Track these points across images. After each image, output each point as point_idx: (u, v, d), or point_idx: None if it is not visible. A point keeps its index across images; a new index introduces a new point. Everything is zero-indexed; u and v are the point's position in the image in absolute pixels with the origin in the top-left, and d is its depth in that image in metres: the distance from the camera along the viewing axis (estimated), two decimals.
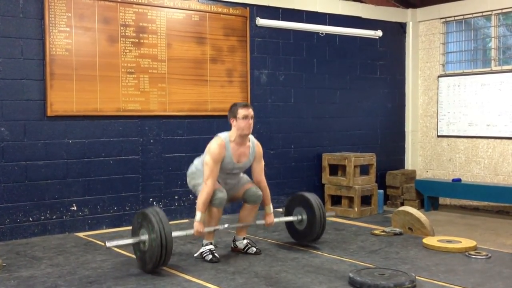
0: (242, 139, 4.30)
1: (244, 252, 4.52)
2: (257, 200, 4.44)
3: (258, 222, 4.58)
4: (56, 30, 5.40)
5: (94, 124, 5.70)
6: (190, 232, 4.22)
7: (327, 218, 4.81)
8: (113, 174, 5.81)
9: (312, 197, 4.73)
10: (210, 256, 4.25)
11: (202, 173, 4.31)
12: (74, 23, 5.49)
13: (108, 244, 3.92)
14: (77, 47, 5.51)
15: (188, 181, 4.59)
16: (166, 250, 3.85)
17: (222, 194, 4.22)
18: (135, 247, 4.08)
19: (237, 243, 4.57)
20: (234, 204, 5.28)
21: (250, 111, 4.28)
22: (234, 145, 4.29)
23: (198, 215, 4.19)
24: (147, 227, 3.92)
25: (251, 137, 4.43)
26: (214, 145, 4.23)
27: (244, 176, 4.58)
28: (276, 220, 4.61)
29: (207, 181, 4.17)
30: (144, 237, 3.94)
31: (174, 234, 4.00)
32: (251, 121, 4.28)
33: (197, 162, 4.51)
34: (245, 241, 4.56)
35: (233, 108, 4.31)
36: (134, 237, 4.04)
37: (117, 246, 4.19)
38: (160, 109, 6.06)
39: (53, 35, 5.38)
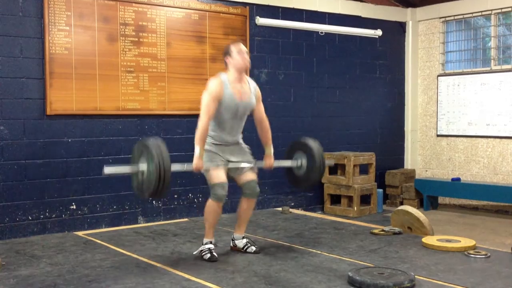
0: (239, 74, 4.27)
1: (243, 251, 4.50)
2: (254, 195, 4.42)
3: (258, 164, 4.46)
4: (56, 29, 5.39)
5: (94, 123, 5.70)
6: (189, 166, 4.15)
7: (326, 167, 4.68)
8: None
9: (314, 144, 4.63)
10: (208, 255, 4.23)
11: (207, 155, 4.25)
12: (73, 22, 5.49)
13: (106, 170, 3.88)
14: (76, 46, 5.51)
15: None
16: (164, 183, 3.78)
17: (223, 191, 4.18)
18: (133, 176, 4.01)
19: (236, 242, 4.55)
20: (233, 203, 5.27)
21: (243, 47, 4.32)
22: (232, 82, 4.24)
23: (197, 149, 4.13)
24: (146, 158, 3.85)
25: (248, 78, 4.43)
26: (212, 82, 4.20)
27: (251, 159, 4.46)
28: (275, 164, 4.52)
29: (203, 116, 4.15)
30: (143, 167, 3.87)
31: (173, 167, 3.94)
32: (246, 55, 4.29)
33: None
34: (244, 240, 4.54)
35: (226, 48, 4.35)
36: (133, 166, 3.97)
37: (115, 173, 4.12)
38: (160, 108, 6.06)
39: (52, 34, 5.38)
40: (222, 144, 4.33)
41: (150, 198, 3.84)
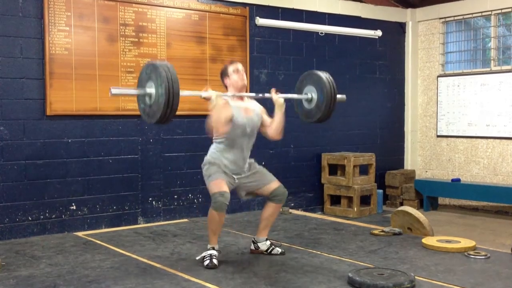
0: (239, 92, 4.27)
1: (267, 253, 4.42)
2: (284, 198, 4.36)
3: (267, 95, 4.40)
4: (56, 29, 5.39)
5: (94, 123, 5.70)
6: (203, 93, 4.05)
7: (339, 101, 4.49)
8: (112, 174, 5.81)
9: (325, 76, 4.45)
10: (207, 262, 4.09)
11: (212, 165, 4.18)
12: (73, 22, 5.49)
13: (114, 91, 3.73)
14: (76, 46, 5.51)
15: (203, 172, 4.37)
16: (172, 109, 3.64)
17: (223, 198, 4.03)
18: (140, 98, 3.86)
19: (259, 244, 4.45)
20: (233, 203, 5.26)
21: (239, 65, 4.32)
22: (235, 100, 4.23)
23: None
24: (155, 81, 3.68)
25: (248, 99, 4.40)
26: (215, 103, 4.10)
27: (268, 173, 4.42)
28: (283, 95, 4.41)
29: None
30: (151, 90, 3.71)
31: (182, 93, 3.77)
32: (243, 73, 4.30)
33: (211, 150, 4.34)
34: (268, 242, 4.45)
35: (223, 69, 4.35)
36: (141, 89, 3.80)
37: (122, 94, 3.96)
38: None
39: (52, 34, 5.38)
40: (231, 170, 4.22)
41: (157, 123, 3.74)
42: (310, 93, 4.50)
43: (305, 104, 4.57)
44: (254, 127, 4.31)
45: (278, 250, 4.43)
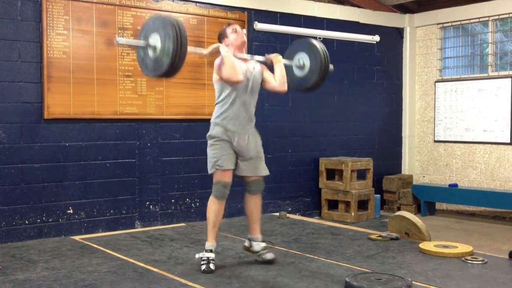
0: (240, 50, 4.27)
1: (257, 255, 4.34)
2: (261, 188, 4.39)
3: (258, 58, 4.40)
4: (54, 33, 5.40)
5: (91, 127, 5.69)
6: (209, 48, 4.16)
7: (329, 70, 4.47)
8: (109, 177, 5.80)
9: (317, 43, 4.47)
10: (204, 266, 4.08)
11: (216, 141, 4.19)
12: (71, 26, 5.49)
13: (120, 40, 3.70)
14: (74, 50, 5.51)
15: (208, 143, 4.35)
16: (175, 69, 3.61)
17: (225, 189, 4.16)
18: (141, 49, 3.78)
19: (253, 243, 4.36)
20: (230, 208, 5.25)
21: (238, 26, 4.32)
22: (236, 61, 4.21)
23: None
24: (162, 36, 3.60)
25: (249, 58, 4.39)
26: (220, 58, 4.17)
27: (260, 165, 4.41)
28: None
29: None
30: (155, 43, 3.63)
31: (189, 49, 3.74)
32: (242, 33, 4.29)
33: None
34: (262, 244, 4.35)
35: (221, 31, 4.36)
36: (145, 40, 3.71)
37: (127, 44, 3.90)
38: (157, 113, 6.06)
39: (50, 38, 5.38)
40: (236, 129, 4.21)
41: (156, 77, 3.73)
42: (302, 60, 4.50)
43: (297, 71, 4.55)
44: (256, 83, 4.31)
45: (268, 256, 4.31)
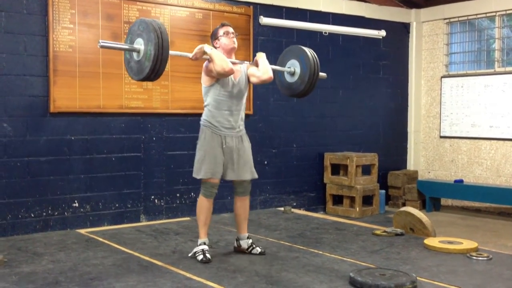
0: (229, 56, 4.27)
1: (247, 252, 4.47)
2: (247, 191, 4.45)
3: (245, 63, 4.48)
4: (60, 27, 5.40)
5: (97, 121, 5.70)
6: (194, 52, 4.16)
7: (319, 78, 4.67)
8: (115, 171, 5.82)
9: (308, 51, 4.61)
10: (201, 257, 4.17)
11: (205, 146, 4.28)
12: (77, 20, 5.49)
13: (102, 43, 3.76)
14: (80, 44, 5.52)
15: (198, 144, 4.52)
16: (157, 73, 3.73)
17: (214, 189, 4.29)
18: (128, 53, 3.90)
19: (241, 242, 4.51)
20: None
21: (229, 28, 4.31)
22: None
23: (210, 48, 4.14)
24: (145, 40, 3.71)
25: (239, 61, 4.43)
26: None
27: (247, 167, 4.42)
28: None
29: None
30: (139, 47, 3.75)
31: (174, 53, 3.87)
32: (233, 36, 4.29)
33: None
34: (249, 241, 4.50)
35: (213, 31, 4.36)
36: (130, 44, 3.83)
37: (110, 47, 4.00)
38: (163, 107, 6.07)
39: (56, 31, 5.38)
40: (224, 132, 4.28)
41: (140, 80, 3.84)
42: (293, 67, 4.65)
43: (287, 77, 4.71)
44: (243, 85, 4.36)
45: (257, 249, 4.45)
